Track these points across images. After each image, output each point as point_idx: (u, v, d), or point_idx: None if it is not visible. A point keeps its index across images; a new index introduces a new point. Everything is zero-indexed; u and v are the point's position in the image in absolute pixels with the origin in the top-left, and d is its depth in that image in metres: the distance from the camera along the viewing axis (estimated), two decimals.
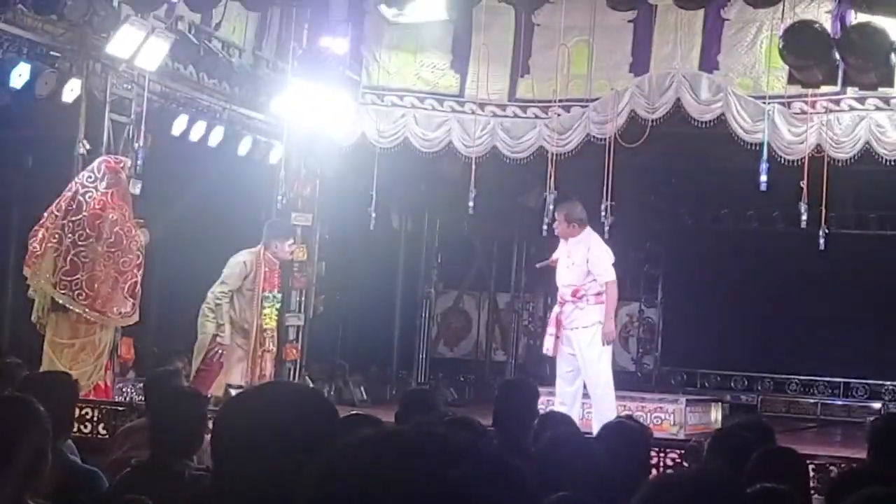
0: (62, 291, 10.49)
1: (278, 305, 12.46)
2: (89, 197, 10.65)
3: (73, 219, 10.60)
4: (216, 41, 13.02)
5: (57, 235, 10.57)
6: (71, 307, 10.54)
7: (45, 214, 10.70)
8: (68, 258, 10.52)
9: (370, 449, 1.55)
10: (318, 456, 1.60)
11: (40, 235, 10.63)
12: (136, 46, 11.07)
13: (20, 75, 10.63)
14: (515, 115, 13.37)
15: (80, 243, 10.56)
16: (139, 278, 10.99)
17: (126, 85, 11.66)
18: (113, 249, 10.73)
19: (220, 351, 11.61)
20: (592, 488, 3.76)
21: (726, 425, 7.80)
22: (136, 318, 11.09)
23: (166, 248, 11.91)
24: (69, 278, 10.51)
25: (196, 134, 12.69)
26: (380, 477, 1.50)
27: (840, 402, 17.38)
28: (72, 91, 11.10)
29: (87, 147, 11.23)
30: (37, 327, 10.69)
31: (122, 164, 10.99)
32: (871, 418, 12.01)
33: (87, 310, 10.58)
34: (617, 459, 4.87)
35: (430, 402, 6.75)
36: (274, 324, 12.43)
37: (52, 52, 10.96)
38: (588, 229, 11.42)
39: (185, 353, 13.97)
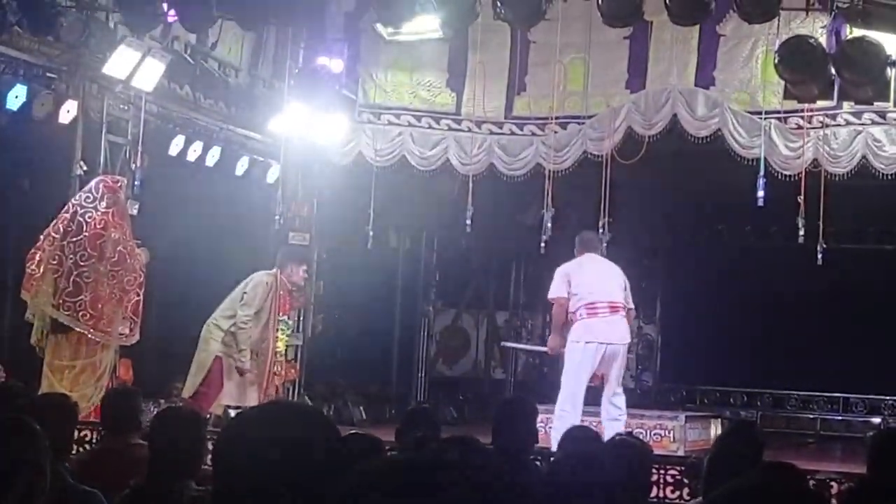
0: (66, 312, 10.47)
1: (288, 331, 12.39)
2: (89, 217, 10.63)
3: (74, 240, 10.58)
4: (212, 61, 13.04)
5: (57, 257, 10.54)
6: (75, 327, 10.51)
7: (42, 237, 10.67)
8: (71, 279, 10.50)
9: (387, 477, 1.54)
10: (334, 483, 1.59)
11: (37, 258, 10.60)
12: (133, 67, 11.08)
13: (17, 97, 10.65)
14: (512, 133, 13.39)
15: (81, 264, 10.53)
16: (141, 297, 10.96)
17: (123, 105, 11.67)
18: (117, 268, 10.71)
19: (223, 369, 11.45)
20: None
21: (719, 440, 7.77)
22: (136, 337, 11.06)
23: (164, 268, 11.88)
24: (73, 299, 10.48)
25: (193, 154, 12.70)
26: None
27: (839, 418, 17.35)
28: (68, 112, 11.11)
29: (84, 168, 11.23)
30: (35, 350, 10.65)
31: (119, 184, 11.00)
32: (871, 433, 12.01)
33: (91, 330, 10.56)
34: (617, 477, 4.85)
35: (429, 421, 6.73)
36: (283, 347, 12.38)
37: (48, 74, 10.98)
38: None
39: (184, 375, 13.95)
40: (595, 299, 10.78)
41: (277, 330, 11.88)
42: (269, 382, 11.90)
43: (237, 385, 11.46)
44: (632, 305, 11.03)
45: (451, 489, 1.50)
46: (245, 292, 11.51)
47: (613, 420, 10.76)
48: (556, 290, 10.94)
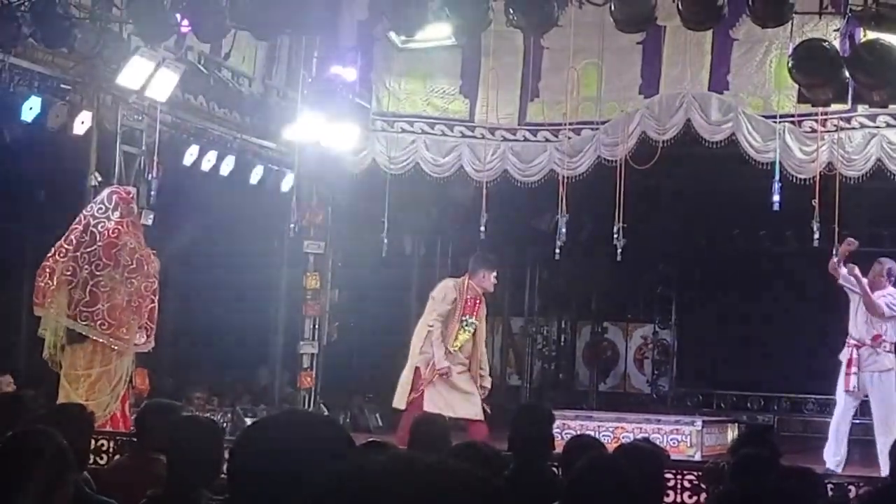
0: (83, 322, 10.47)
1: (471, 329, 12.23)
2: (102, 227, 10.64)
3: (88, 250, 10.58)
4: (226, 71, 13.07)
5: (71, 268, 10.55)
6: (92, 336, 10.52)
7: (53, 250, 10.67)
8: (87, 289, 10.51)
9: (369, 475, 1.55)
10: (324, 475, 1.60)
11: (48, 271, 10.62)
12: (147, 77, 11.11)
13: (31, 108, 10.68)
14: (526, 139, 13.39)
15: (97, 273, 10.54)
16: (156, 304, 10.98)
17: (137, 116, 11.70)
18: (134, 275, 10.71)
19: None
20: None
21: (739, 443, 7.75)
22: (151, 345, 11.07)
23: (179, 278, 11.94)
24: (90, 309, 10.49)
25: (207, 164, 12.72)
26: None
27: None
28: (83, 123, 11.14)
29: (99, 179, 11.26)
30: (48, 364, 10.66)
31: (131, 195, 11.00)
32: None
33: (109, 338, 10.57)
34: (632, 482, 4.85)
35: (439, 429, 6.71)
36: (459, 345, 12.19)
37: (62, 85, 11.01)
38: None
39: (200, 384, 13.98)
40: None
41: (459, 329, 11.86)
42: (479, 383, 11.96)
43: (439, 393, 11.55)
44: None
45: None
46: (432, 297, 11.87)
47: None
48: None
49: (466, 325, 11.78)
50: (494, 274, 12.02)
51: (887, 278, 11.63)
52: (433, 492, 1.50)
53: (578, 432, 11.73)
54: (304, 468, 2.22)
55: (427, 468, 1.54)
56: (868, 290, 11.33)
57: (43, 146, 11.67)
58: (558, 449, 6.87)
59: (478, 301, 11.91)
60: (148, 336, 10.97)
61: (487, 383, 12.08)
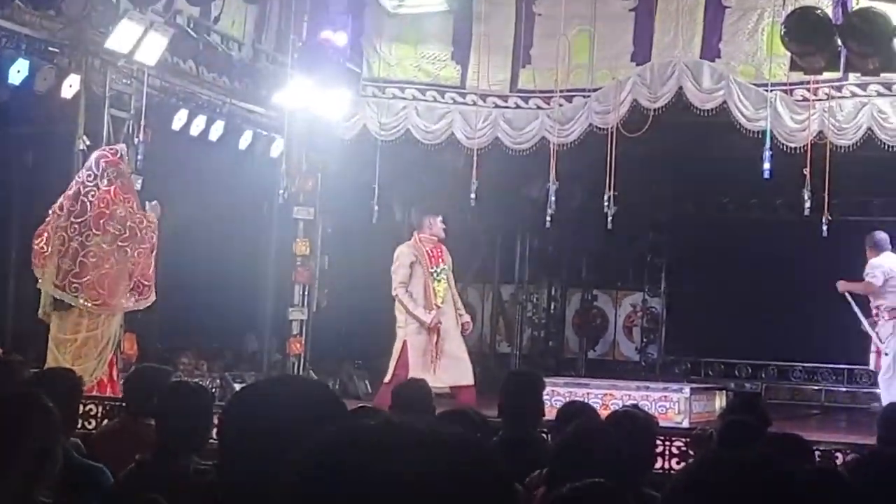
0: (72, 293, 10.45)
1: (443, 276, 12.16)
2: (92, 196, 10.59)
3: (78, 220, 10.53)
4: (215, 35, 12.99)
5: (60, 237, 10.51)
6: (79, 307, 10.49)
7: (50, 213, 10.65)
8: (77, 260, 10.47)
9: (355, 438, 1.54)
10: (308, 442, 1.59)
11: (45, 235, 10.59)
12: (135, 41, 11.04)
13: (18, 71, 10.62)
14: (517, 106, 13.35)
15: (87, 244, 10.50)
16: (153, 261, 10.94)
17: (125, 80, 11.63)
18: (126, 243, 10.68)
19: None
20: (608, 476, 3.76)
21: (729, 410, 7.79)
22: (152, 298, 11.02)
23: (167, 243, 11.85)
24: (79, 280, 10.46)
25: (196, 128, 12.67)
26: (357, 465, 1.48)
27: (844, 389, 17.33)
28: (71, 87, 11.08)
29: (87, 143, 11.20)
30: (40, 325, 10.64)
31: (119, 155, 10.91)
32: (876, 404, 12.08)
33: (97, 308, 10.55)
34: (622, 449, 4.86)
35: (422, 395, 6.71)
36: (442, 293, 12.13)
37: (50, 48, 10.94)
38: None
39: (188, 350, 13.96)
40: None
41: (434, 282, 11.84)
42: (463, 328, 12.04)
43: (422, 362, 11.59)
44: None
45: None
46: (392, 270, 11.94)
47: None
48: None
49: (438, 276, 11.84)
50: (440, 218, 12.05)
51: (875, 250, 11.73)
52: (432, 453, 1.49)
53: (568, 399, 11.77)
54: (295, 433, 2.20)
55: (424, 430, 1.53)
56: (859, 287, 11.85)
57: (31, 109, 11.61)
58: (549, 416, 6.89)
59: (438, 249, 11.96)
60: (142, 294, 10.92)
61: (467, 318, 12.11)
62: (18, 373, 6.64)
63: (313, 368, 14.52)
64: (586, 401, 10.71)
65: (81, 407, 8.27)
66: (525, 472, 4.98)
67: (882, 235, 11.94)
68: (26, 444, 3.53)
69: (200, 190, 13.47)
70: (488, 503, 1.50)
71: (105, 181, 10.66)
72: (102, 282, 10.55)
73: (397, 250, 11.98)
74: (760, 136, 12.06)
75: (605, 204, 12.41)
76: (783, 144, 12.06)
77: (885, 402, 10.77)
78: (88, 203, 10.56)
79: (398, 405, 6.39)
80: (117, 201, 10.71)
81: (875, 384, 12.85)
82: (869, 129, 11.97)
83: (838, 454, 8.35)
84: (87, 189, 10.61)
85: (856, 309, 11.91)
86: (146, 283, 10.91)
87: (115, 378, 10.76)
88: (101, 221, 10.58)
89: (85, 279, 10.47)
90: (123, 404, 7.15)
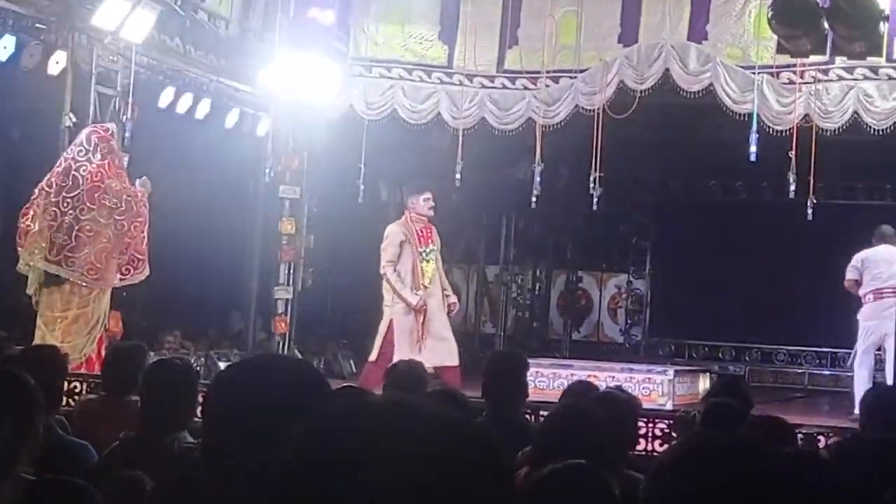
0: (68, 268, 10.42)
1: (432, 256, 12.15)
2: (84, 171, 10.56)
3: (71, 195, 10.49)
4: (202, 12, 12.94)
5: (52, 212, 10.47)
6: (75, 280, 10.47)
7: (36, 191, 10.61)
8: (73, 234, 10.44)
9: (346, 418, 1.54)
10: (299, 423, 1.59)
11: (31, 213, 10.56)
12: (122, 18, 11.00)
13: (5, 47, 10.58)
14: (504, 87, 13.33)
15: (82, 218, 10.47)
16: (146, 235, 10.93)
17: (112, 57, 11.58)
18: (123, 217, 10.66)
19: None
20: (591, 457, 3.79)
21: (712, 393, 7.82)
22: (146, 272, 11.01)
23: (153, 221, 11.84)
24: (75, 254, 10.43)
25: (183, 106, 12.65)
26: (350, 447, 1.49)
27: (827, 372, 17.42)
28: (57, 63, 11.04)
29: (74, 119, 11.16)
30: (32, 302, 10.61)
31: (110, 132, 10.91)
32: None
33: (93, 282, 10.53)
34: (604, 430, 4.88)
35: (417, 375, 6.74)
36: (431, 274, 12.12)
37: (37, 24, 10.89)
38: None
39: (173, 328, 13.96)
40: None
41: (422, 262, 11.82)
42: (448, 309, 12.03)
43: (408, 342, 11.56)
44: None
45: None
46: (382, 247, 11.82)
47: None
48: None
49: (427, 256, 11.81)
50: (426, 196, 12.01)
51: (875, 242, 11.78)
52: (427, 432, 1.50)
53: (552, 380, 11.82)
54: (279, 411, 2.21)
55: (421, 410, 1.54)
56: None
57: (17, 85, 11.57)
58: (534, 396, 6.92)
59: (428, 229, 11.94)
60: (136, 268, 10.90)
61: (453, 299, 12.12)
62: (1, 350, 6.64)
63: (298, 347, 14.54)
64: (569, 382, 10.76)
65: (66, 384, 8.27)
66: (509, 453, 5.00)
67: (883, 229, 11.89)
68: (7, 421, 3.52)
69: (186, 168, 13.44)
70: (492, 484, 1.52)
71: (98, 156, 10.64)
72: (100, 256, 10.54)
73: (388, 229, 11.95)
74: (747, 118, 12.07)
75: (591, 185, 12.42)
76: (769, 127, 12.08)
77: (856, 386, 10.88)
78: (80, 177, 10.53)
79: (392, 384, 6.42)
80: (111, 175, 10.69)
81: None
82: (855, 112, 11.99)
83: (820, 437, 8.41)
84: (78, 164, 10.58)
85: None
86: (140, 256, 10.91)
87: (103, 355, 10.75)
88: (96, 195, 10.55)
89: (82, 253, 10.45)
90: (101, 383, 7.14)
